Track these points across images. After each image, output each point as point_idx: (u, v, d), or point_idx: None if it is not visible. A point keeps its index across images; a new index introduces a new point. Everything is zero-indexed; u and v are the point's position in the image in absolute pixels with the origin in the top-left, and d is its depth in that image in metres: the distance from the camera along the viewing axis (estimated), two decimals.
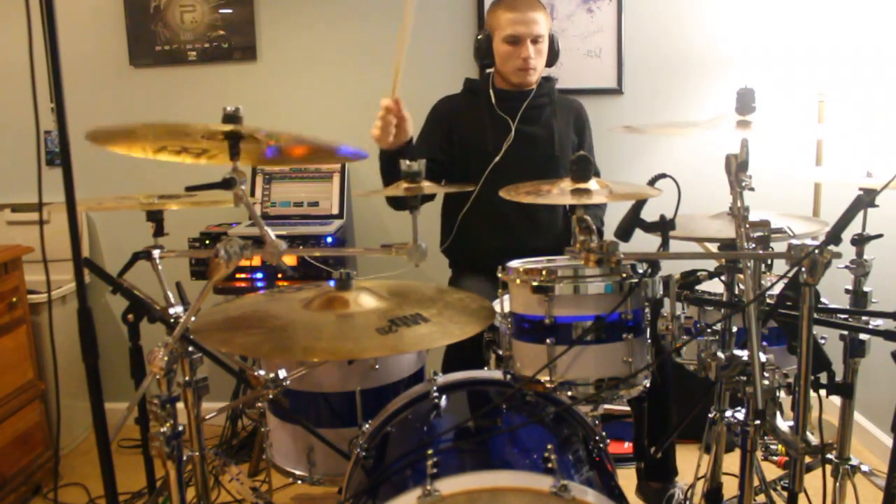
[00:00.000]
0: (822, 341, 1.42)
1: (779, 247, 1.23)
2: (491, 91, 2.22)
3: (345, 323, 1.31)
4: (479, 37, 2.20)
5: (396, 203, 2.15)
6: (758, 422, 1.27)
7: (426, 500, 1.02)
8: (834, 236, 1.16)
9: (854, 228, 1.51)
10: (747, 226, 1.24)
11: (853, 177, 1.68)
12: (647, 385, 1.31)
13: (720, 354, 1.27)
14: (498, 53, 2.17)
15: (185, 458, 1.32)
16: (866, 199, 1.22)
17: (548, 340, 1.24)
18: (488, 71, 2.28)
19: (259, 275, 2.41)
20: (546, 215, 2.24)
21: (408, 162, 1.36)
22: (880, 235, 1.63)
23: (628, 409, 2.54)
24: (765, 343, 1.43)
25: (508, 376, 1.34)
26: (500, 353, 1.37)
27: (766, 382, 1.21)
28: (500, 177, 2.12)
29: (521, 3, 2.12)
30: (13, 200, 2.84)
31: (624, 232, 1.36)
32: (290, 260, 2.30)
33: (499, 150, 2.17)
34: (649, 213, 1.36)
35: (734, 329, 1.48)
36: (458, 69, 2.43)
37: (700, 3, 2.70)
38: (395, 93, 1.80)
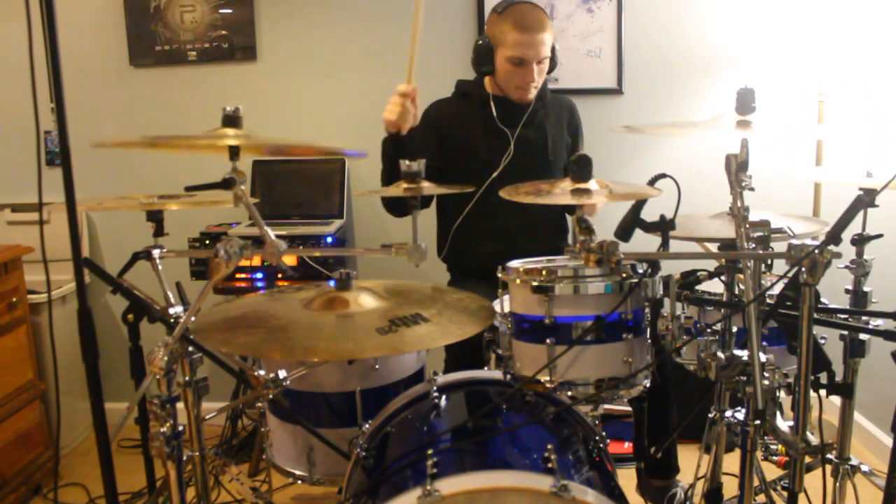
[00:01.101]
0: (822, 341, 1.42)
1: (779, 247, 1.23)
2: (491, 101, 2.17)
3: (345, 323, 1.31)
4: (479, 42, 2.13)
5: (394, 206, 2.14)
6: (758, 422, 1.27)
7: (426, 500, 1.02)
8: (834, 236, 1.16)
9: (854, 228, 1.51)
10: (747, 226, 1.24)
11: (853, 177, 1.68)
12: (647, 385, 1.31)
13: (720, 354, 1.27)
14: (500, 69, 2.12)
15: (185, 458, 1.32)
16: (866, 199, 1.22)
17: (548, 340, 1.24)
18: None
19: (259, 275, 2.41)
20: (542, 221, 2.24)
21: (407, 162, 1.36)
22: (880, 235, 1.63)
23: (628, 409, 2.54)
24: (765, 343, 1.43)
25: (508, 376, 1.34)
26: (500, 353, 1.37)
27: (766, 382, 1.21)
28: (494, 185, 2.11)
29: (530, 24, 2.04)
30: (13, 200, 2.84)
31: (624, 232, 1.36)
32: (290, 260, 2.30)
33: (494, 160, 2.14)
34: (649, 213, 1.36)
35: (734, 329, 1.48)
36: (457, 73, 2.43)
37: (700, 3, 2.70)
38: (412, 79, 1.85)
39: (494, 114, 2.17)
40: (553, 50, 2.15)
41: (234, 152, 1.18)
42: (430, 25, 2.76)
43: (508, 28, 2.05)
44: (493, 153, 2.16)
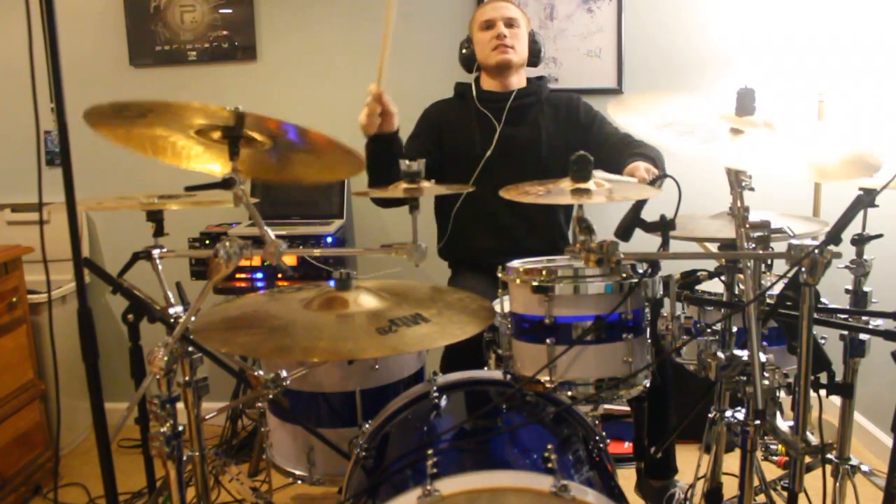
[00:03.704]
0: (822, 341, 1.42)
1: (779, 247, 1.23)
2: (474, 90, 2.26)
3: (345, 323, 1.31)
4: (461, 45, 2.30)
5: (381, 199, 2.15)
6: (758, 422, 1.27)
7: (426, 500, 1.02)
8: (834, 236, 1.16)
9: (854, 228, 1.51)
10: (747, 226, 1.24)
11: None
12: (647, 385, 1.31)
13: (720, 354, 1.27)
14: (477, 44, 2.24)
15: (185, 458, 1.32)
16: (866, 199, 1.22)
17: (548, 340, 1.24)
18: (475, 74, 2.31)
19: (259, 275, 2.41)
20: (540, 215, 2.24)
21: (407, 162, 1.36)
22: (880, 235, 1.63)
23: (628, 409, 2.54)
24: (765, 343, 1.43)
25: (508, 376, 1.34)
26: (500, 353, 1.37)
27: (766, 382, 1.21)
28: (489, 177, 2.13)
29: None
30: (13, 200, 2.84)
31: (624, 232, 1.36)
32: (290, 260, 2.30)
33: (486, 150, 2.18)
34: (649, 213, 1.36)
35: (734, 329, 1.48)
36: (455, 73, 2.43)
37: (700, 3, 2.70)
38: (380, 83, 1.86)
39: (476, 100, 2.22)
40: (533, 36, 2.28)
41: (233, 152, 1.18)
42: (431, 28, 2.77)
43: (477, 9, 2.30)
44: (484, 144, 2.20)
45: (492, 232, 2.22)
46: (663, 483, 1.99)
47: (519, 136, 2.21)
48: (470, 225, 2.24)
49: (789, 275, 1.19)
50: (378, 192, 1.72)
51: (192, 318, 1.24)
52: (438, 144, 2.24)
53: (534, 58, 2.29)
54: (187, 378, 1.38)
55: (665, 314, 1.32)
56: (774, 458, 2.26)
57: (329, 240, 2.40)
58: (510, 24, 2.20)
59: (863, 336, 1.65)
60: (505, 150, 2.19)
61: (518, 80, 2.27)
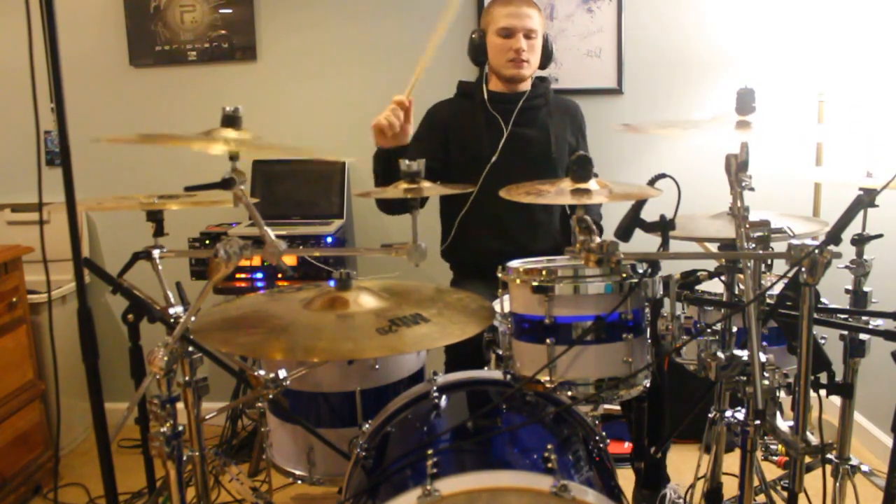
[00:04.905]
0: (822, 341, 1.42)
1: (779, 247, 1.23)
2: (485, 92, 2.23)
3: (345, 323, 1.31)
4: (473, 34, 2.23)
5: (388, 206, 2.15)
6: (758, 422, 1.27)
7: (426, 500, 1.02)
8: (834, 236, 1.16)
9: (854, 228, 1.51)
10: (747, 226, 1.24)
11: (853, 177, 1.68)
12: (647, 385, 1.31)
13: (720, 354, 1.27)
14: (491, 48, 2.19)
15: (185, 458, 1.32)
16: (866, 199, 1.22)
17: (548, 340, 1.24)
18: (483, 71, 2.29)
19: (259, 275, 2.42)
20: (544, 218, 2.24)
21: (407, 162, 1.36)
22: (880, 235, 1.63)
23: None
24: (765, 343, 1.43)
25: (508, 376, 1.34)
26: (500, 353, 1.37)
27: (766, 382, 1.21)
28: (497, 179, 2.12)
29: None
30: (13, 200, 2.84)
31: (624, 232, 1.36)
32: (290, 260, 2.30)
33: (494, 151, 2.17)
34: (649, 213, 1.36)
35: (734, 329, 1.48)
36: (456, 71, 2.43)
37: (700, 3, 2.70)
38: (410, 93, 1.86)
39: (487, 102, 2.19)
40: (546, 40, 2.21)
41: (233, 153, 1.18)
42: (431, 25, 2.76)
43: (496, 7, 2.18)
44: (493, 145, 2.18)
45: (499, 234, 2.21)
46: (652, 493, 1.99)
47: (528, 137, 2.21)
48: (476, 227, 2.22)
49: (789, 275, 1.19)
50: (380, 193, 1.72)
51: (192, 318, 1.24)
52: (444, 146, 2.22)
53: (545, 60, 2.25)
54: (187, 378, 1.38)
55: (665, 314, 1.32)
56: (774, 458, 2.26)
57: (329, 240, 2.40)
58: (529, 35, 2.15)
59: (863, 336, 1.65)
60: (514, 152, 2.18)
61: (525, 83, 2.26)
